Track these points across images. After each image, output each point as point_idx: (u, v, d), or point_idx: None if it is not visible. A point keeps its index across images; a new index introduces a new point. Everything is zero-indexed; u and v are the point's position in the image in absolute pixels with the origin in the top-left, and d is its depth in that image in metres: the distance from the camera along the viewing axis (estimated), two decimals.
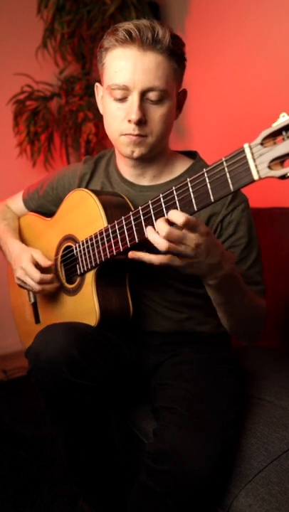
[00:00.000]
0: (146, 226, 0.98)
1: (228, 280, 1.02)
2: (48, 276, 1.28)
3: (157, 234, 0.92)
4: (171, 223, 0.91)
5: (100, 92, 1.23)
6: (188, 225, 0.88)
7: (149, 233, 0.94)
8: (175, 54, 1.11)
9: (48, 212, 1.45)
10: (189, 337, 1.28)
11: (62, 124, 2.56)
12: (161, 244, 0.91)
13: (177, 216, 0.88)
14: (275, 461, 1.02)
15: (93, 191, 1.21)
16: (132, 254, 0.99)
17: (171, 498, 0.95)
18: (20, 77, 2.49)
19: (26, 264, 1.29)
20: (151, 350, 1.29)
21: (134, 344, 1.28)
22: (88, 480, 1.23)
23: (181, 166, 1.27)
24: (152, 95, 1.09)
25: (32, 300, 1.49)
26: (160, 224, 0.91)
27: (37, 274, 1.27)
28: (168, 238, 0.90)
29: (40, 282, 1.27)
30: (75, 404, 1.09)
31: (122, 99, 1.11)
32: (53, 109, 2.61)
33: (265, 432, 1.10)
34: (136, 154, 1.16)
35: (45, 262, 1.30)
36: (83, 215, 1.23)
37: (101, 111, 1.24)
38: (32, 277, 1.28)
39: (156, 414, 1.16)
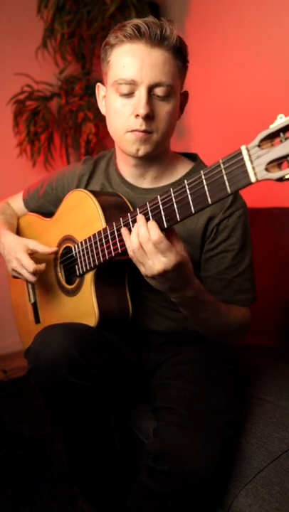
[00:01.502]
0: None
1: (189, 302, 1.03)
2: (42, 266, 1.27)
3: (135, 235, 0.94)
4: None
5: (101, 91, 1.23)
6: (158, 245, 0.91)
7: (134, 228, 0.96)
8: (180, 53, 1.11)
9: (48, 213, 1.45)
10: (189, 337, 1.28)
11: (62, 124, 2.56)
12: (133, 243, 0.95)
13: (153, 232, 0.91)
14: (275, 461, 1.02)
15: (92, 192, 1.21)
16: (123, 229, 1.01)
17: (171, 498, 0.95)
18: (20, 77, 2.49)
19: (21, 254, 1.28)
20: (151, 350, 1.29)
21: (134, 344, 1.28)
22: (88, 480, 1.23)
23: (182, 169, 1.26)
24: (159, 91, 1.10)
25: (32, 300, 1.49)
26: (143, 230, 0.93)
27: (31, 265, 1.26)
28: (139, 244, 0.93)
29: (35, 273, 1.26)
30: (74, 405, 1.09)
31: (129, 95, 1.11)
32: (53, 109, 2.61)
33: (265, 432, 1.10)
34: (141, 152, 1.15)
35: (45, 249, 1.29)
36: (82, 216, 1.22)
37: (102, 111, 1.24)
38: (26, 267, 1.27)
39: (156, 414, 1.16)
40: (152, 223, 0.92)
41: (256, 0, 1.93)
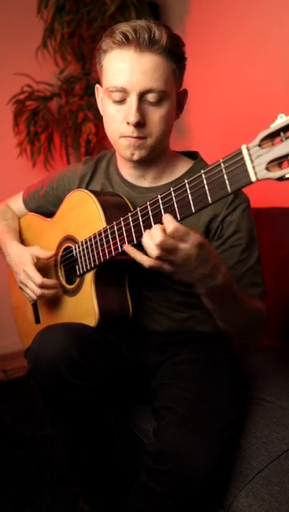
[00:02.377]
0: (144, 227, 0.98)
1: (219, 291, 1.01)
2: (51, 281, 1.28)
3: (151, 240, 0.92)
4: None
5: (100, 93, 1.23)
6: (176, 235, 0.89)
7: (144, 237, 0.94)
8: (173, 54, 1.10)
9: (48, 213, 1.45)
10: (189, 337, 1.28)
11: (62, 124, 2.56)
12: (152, 250, 0.92)
13: (168, 222, 0.89)
14: (275, 461, 1.02)
15: (93, 192, 1.21)
16: (127, 247, 1.01)
17: (171, 498, 0.95)
18: (20, 77, 2.49)
19: (28, 267, 1.29)
20: (151, 350, 1.29)
21: (134, 344, 1.28)
22: (88, 480, 1.23)
23: (182, 167, 1.26)
24: (151, 97, 1.09)
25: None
26: (155, 231, 0.90)
27: (39, 278, 1.26)
28: (160, 247, 0.90)
29: (42, 286, 1.27)
30: (74, 405, 1.09)
31: (121, 102, 1.11)
32: (53, 109, 2.61)
33: (265, 432, 1.10)
34: (136, 157, 1.16)
35: (46, 254, 1.29)
36: (82, 216, 1.23)
37: (101, 112, 1.24)
38: (33, 280, 1.27)
39: (156, 414, 1.16)
40: (165, 216, 0.90)
41: (256, 0, 1.93)
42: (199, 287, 1.01)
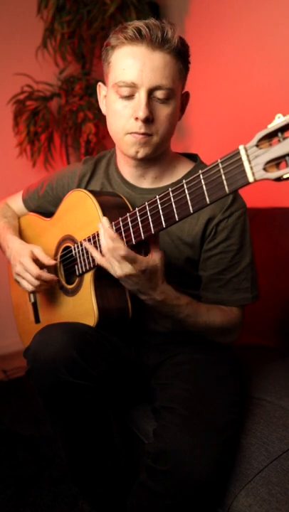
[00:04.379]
0: (143, 228, 0.98)
1: (159, 305, 1.09)
2: (47, 274, 1.27)
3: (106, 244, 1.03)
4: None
5: (102, 91, 1.23)
6: (127, 259, 0.99)
7: (101, 239, 1.04)
8: (182, 55, 1.11)
9: (48, 213, 1.45)
10: (189, 337, 1.28)
11: (62, 124, 2.56)
12: (103, 250, 1.03)
13: (119, 247, 0.99)
14: (275, 461, 1.02)
15: (92, 192, 1.21)
16: (85, 243, 1.13)
17: (171, 498, 0.95)
18: (20, 77, 2.49)
19: (25, 259, 1.28)
20: (151, 350, 1.29)
21: (134, 344, 1.28)
22: (88, 480, 1.23)
23: (182, 169, 1.26)
24: (159, 94, 1.09)
25: (32, 300, 1.49)
26: (107, 240, 1.01)
27: (35, 269, 1.25)
28: (110, 252, 1.01)
29: (38, 278, 1.26)
30: (74, 405, 1.09)
31: (129, 97, 1.11)
32: (53, 109, 2.61)
33: (265, 432, 1.10)
34: (140, 155, 1.15)
35: (48, 260, 1.28)
36: (82, 216, 1.22)
37: (103, 111, 1.24)
38: (30, 272, 1.26)
39: (156, 414, 1.16)
40: (118, 241, 1.00)
41: (256, 0, 1.93)
42: (140, 296, 1.09)
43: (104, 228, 1.03)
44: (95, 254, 1.08)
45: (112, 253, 1.00)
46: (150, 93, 1.09)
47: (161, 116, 1.12)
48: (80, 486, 1.27)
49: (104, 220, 1.05)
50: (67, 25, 2.34)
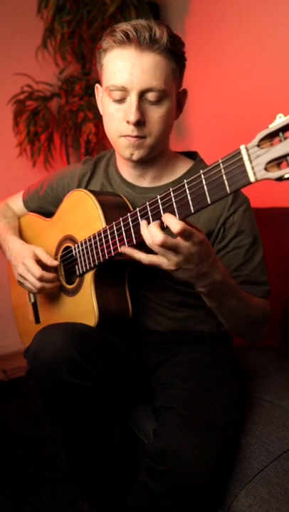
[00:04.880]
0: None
1: (218, 288, 1.02)
2: (50, 275, 1.26)
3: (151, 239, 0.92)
4: (164, 226, 0.91)
5: (99, 92, 1.23)
6: (183, 234, 0.88)
7: (143, 231, 0.95)
8: (174, 54, 1.10)
9: (48, 213, 1.45)
10: (189, 336, 1.28)
11: (62, 124, 2.56)
12: (153, 248, 0.92)
13: (173, 224, 0.88)
14: (275, 461, 1.02)
15: (92, 192, 1.21)
16: (123, 248, 1.01)
17: (171, 498, 0.95)
18: (20, 77, 2.49)
19: (27, 260, 1.28)
20: (151, 349, 1.29)
21: (134, 344, 1.28)
22: (88, 480, 1.23)
23: (181, 168, 1.26)
24: (151, 96, 1.09)
25: (32, 300, 1.49)
26: (154, 230, 0.91)
27: (38, 271, 1.25)
28: (161, 246, 0.90)
29: (41, 279, 1.26)
30: (74, 405, 1.09)
31: (121, 100, 1.11)
32: (53, 109, 2.61)
33: (265, 432, 1.09)
34: (135, 157, 1.16)
35: (51, 261, 1.27)
36: (82, 216, 1.23)
37: (101, 111, 1.24)
38: (33, 273, 1.26)
39: (156, 414, 1.16)
40: (167, 217, 0.89)
41: (256, 0, 1.93)
42: (199, 285, 1.01)
43: (144, 225, 0.95)
44: (139, 255, 0.98)
45: (164, 244, 0.90)
46: (141, 95, 1.09)
47: (154, 118, 1.11)
48: (80, 486, 1.27)
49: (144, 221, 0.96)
50: (67, 25, 2.34)
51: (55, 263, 1.28)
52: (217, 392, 1.12)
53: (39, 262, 1.29)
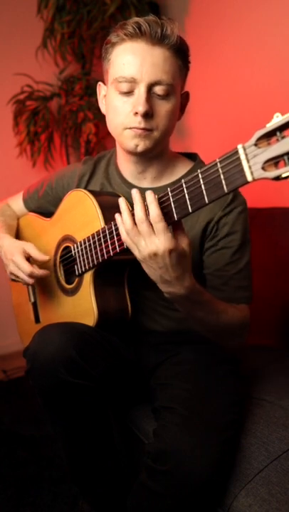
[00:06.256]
0: None
1: (181, 300, 1.01)
2: (40, 272, 1.26)
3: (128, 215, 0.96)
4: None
5: (102, 90, 1.23)
6: (155, 225, 0.91)
7: (117, 216, 0.98)
8: (181, 52, 1.11)
9: (48, 213, 1.45)
10: (189, 336, 1.28)
11: (62, 124, 2.56)
12: (124, 225, 0.96)
13: (152, 207, 0.92)
14: (275, 461, 1.02)
15: (91, 192, 1.21)
16: (117, 215, 1.00)
17: (171, 498, 0.95)
18: (20, 77, 2.49)
19: (16, 257, 1.28)
20: (150, 349, 1.29)
21: (134, 344, 1.28)
22: (88, 480, 1.22)
23: (182, 168, 1.26)
24: (159, 89, 1.09)
25: (32, 299, 1.49)
26: (139, 206, 0.94)
27: (28, 267, 1.25)
28: (131, 225, 0.94)
29: (31, 275, 1.26)
30: (73, 405, 1.09)
31: (129, 93, 1.11)
32: (53, 109, 2.61)
33: (265, 432, 1.09)
34: (140, 148, 1.15)
35: (42, 256, 1.27)
36: (81, 216, 1.23)
37: (102, 110, 1.24)
38: (23, 269, 1.26)
39: (156, 414, 1.16)
40: (153, 199, 0.92)
41: (256, 0, 1.93)
42: (162, 289, 1.00)
43: (136, 199, 0.96)
44: (121, 228, 0.98)
45: (139, 224, 0.92)
46: (150, 88, 1.09)
47: (162, 111, 1.12)
48: (80, 486, 1.27)
49: (135, 192, 0.97)
50: (67, 25, 2.34)
51: (45, 258, 1.27)
52: (217, 392, 1.12)
53: (30, 258, 1.29)
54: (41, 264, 1.31)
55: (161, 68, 1.08)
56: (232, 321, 1.13)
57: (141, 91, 1.09)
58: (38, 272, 1.26)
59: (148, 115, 1.10)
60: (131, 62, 1.08)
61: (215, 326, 1.11)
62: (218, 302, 1.10)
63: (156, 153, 1.20)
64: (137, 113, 1.09)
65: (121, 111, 1.13)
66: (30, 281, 1.27)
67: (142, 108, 1.08)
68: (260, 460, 1.02)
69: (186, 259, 0.95)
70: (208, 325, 1.10)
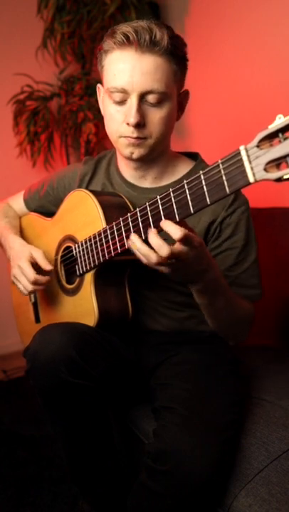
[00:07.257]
0: (143, 228, 0.97)
1: (211, 285, 1.04)
2: (44, 279, 1.26)
3: (151, 249, 0.92)
4: (159, 230, 0.92)
5: (101, 93, 1.23)
6: (184, 241, 0.88)
7: (140, 246, 0.94)
8: (174, 55, 1.09)
9: (49, 213, 1.45)
10: (189, 336, 1.28)
11: (62, 124, 2.56)
12: (154, 259, 0.91)
13: (174, 230, 0.87)
14: (275, 461, 1.02)
15: (92, 192, 1.21)
16: (133, 235, 0.97)
17: (171, 498, 0.95)
18: (20, 77, 2.49)
19: (23, 262, 1.28)
20: (150, 349, 1.29)
21: (134, 344, 1.28)
22: (88, 480, 1.23)
23: (183, 168, 1.26)
24: (151, 98, 1.08)
25: (32, 299, 1.49)
26: (155, 240, 0.90)
27: (32, 274, 1.25)
28: (169, 257, 0.90)
29: (35, 283, 1.26)
30: (73, 405, 1.09)
31: (121, 102, 1.11)
32: (53, 109, 2.61)
33: (265, 432, 1.10)
34: (135, 155, 1.16)
35: (46, 265, 1.27)
36: (82, 216, 1.23)
37: (102, 112, 1.24)
38: (27, 276, 1.27)
39: (156, 414, 1.16)
40: (167, 224, 0.89)
41: (256, 0, 1.93)
42: (195, 283, 1.02)
43: (138, 241, 0.95)
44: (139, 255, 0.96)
45: (171, 256, 0.90)
46: (142, 97, 1.09)
47: (155, 119, 1.11)
48: (80, 486, 1.27)
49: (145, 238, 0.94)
50: (67, 25, 2.34)
51: (50, 267, 1.27)
52: (217, 392, 1.12)
53: (35, 264, 1.29)
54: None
55: (153, 77, 1.07)
56: (242, 312, 1.16)
57: (132, 102, 1.08)
58: (43, 279, 1.26)
59: (140, 125, 1.10)
60: (121, 72, 1.07)
61: (231, 315, 1.14)
62: (232, 292, 1.13)
63: (154, 157, 1.20)
64: (128, 123, 1.10)
65: (115, 119, 1.13)
66: (30, 287, 1.27)
67: (133, 120, 1.08)
68: (260, 460, 1.02)
69: (204, 245, 0.95)
70: (226, 314, 1.13)
